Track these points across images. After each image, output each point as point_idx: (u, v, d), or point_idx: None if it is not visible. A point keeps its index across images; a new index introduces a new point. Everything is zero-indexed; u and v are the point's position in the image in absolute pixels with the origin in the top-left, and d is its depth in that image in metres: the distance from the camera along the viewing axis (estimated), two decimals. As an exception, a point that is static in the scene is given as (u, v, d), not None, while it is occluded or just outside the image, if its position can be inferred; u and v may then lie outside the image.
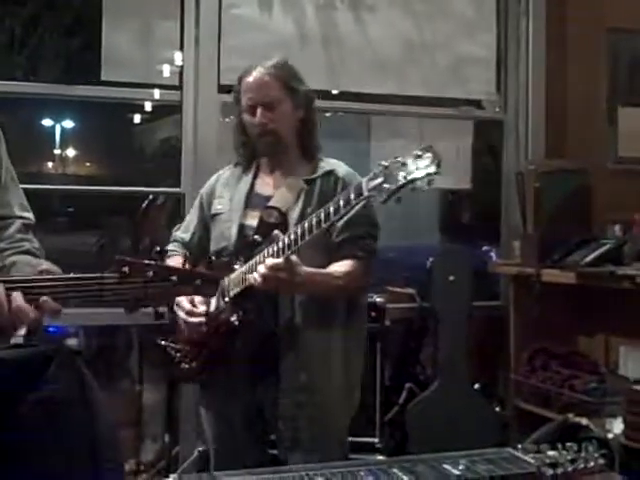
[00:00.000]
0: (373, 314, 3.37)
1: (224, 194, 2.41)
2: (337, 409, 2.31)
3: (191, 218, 2.51)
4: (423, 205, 4.50)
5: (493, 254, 4.27)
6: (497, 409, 3.68)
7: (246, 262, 2.19)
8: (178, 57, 3.57)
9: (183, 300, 2.24)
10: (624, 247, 3.30)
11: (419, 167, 1.81)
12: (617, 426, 2.87)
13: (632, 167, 3.98)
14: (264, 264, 2.05)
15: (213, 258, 2.24)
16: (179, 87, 3.54)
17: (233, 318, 2.19)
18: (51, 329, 3.30)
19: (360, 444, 3.28)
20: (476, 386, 3.64)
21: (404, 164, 1.82)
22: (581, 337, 3.68)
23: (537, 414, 3.35)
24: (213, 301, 2.24)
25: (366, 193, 1.88)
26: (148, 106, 4.09)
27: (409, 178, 1.82)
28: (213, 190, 2.46)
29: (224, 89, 3.54)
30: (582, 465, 1.50)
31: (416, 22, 3.85)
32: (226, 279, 2.22)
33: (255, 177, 2.40)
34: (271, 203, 2.28)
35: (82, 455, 1.46)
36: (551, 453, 1.51)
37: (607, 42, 3.98)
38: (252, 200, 2.35)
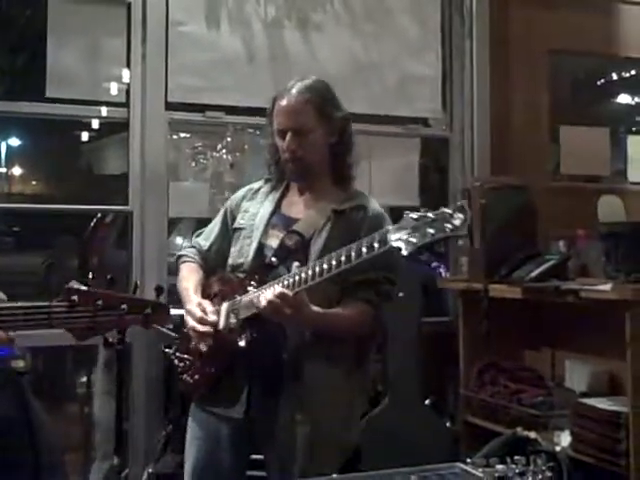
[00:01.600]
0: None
1: (250, 209, 2.35)
2: (331, 447, 2.20)
3: (213, 227, 2.45)
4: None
5: (442, 270, 4.31)
6: (447, 424, 3.71)
7: (259, 284, 2.15)
8: (125, 74, 3.54)
9: (194, 307, 2.20)
10: (568, 262, 3.37)
11: (449, 227, 1.75)
12: (565, 439, 2.91)
13: (573, 184, 4.07)
14: (273, 291, 2.01)
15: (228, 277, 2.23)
16: (126, 104, 3.51)
17: (241, 341, 2.14)
18: (-5, 351, 3.23)
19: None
20: (427, 402, 3.67)
21: (434, 220, 1.76)
22: (528, 351, 3.73)
23: (486, 428, 3.37)
24: (223, 315, 2.19)
25: (391, 244, 1.82)
26: (95, 124, 4.06)
27: (437, 237, 1.75)
28: (240, 204, 2.40)
29: (171, 106, 3.54)
30: (531, 478, 1.52)
31: (363, 41, 3.89)
32: (238, 299, 2.19)
33: (283, 196, 2.35)
34: (296, 227, 2.23)
35: (25, 478, 1.43)
36: (500, 467, 1.53)
37: (549, 63, 4.09)
38: (276, 220, 2.29)
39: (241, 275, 2.24)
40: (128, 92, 3.51)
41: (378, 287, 2.20)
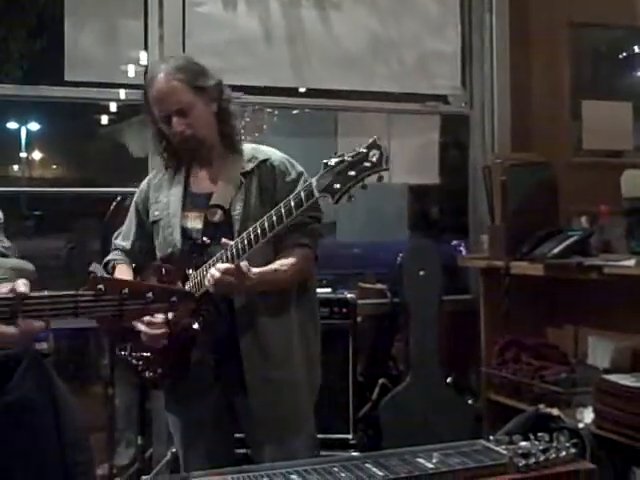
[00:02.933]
0: (344, 310, 3.38)
1: (160, 198, 2.38)
2: (301, 394, 2.31)
3: (129, 226, 2.48)
4: (392, 201, 4.51)
5: (462, 248, 4.29)
6: (469, 402, 3.71)
7: (197, 267, 2.19)
8: (143, 56, 3.54)
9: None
10: (591, 238, 3.34)
11: (367, 166, 1.81)
12: (588, 415, 2.90)
13: (596, 159, 4.03)
14: (216, 268, 2.05)
15: (163, 268, 2.27)
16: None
17: (195, 324, 2.18)
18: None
19: (334, 440, 3.29)
20: (448, 380, 3.67)
21: (352, 162, 1.83)
22: (550, 328, 3.71)
23: (509, 406, 3.37)
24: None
25: (317, 194, 1.88)
26: (113, 107, 4.06)
27: (360, 177, 1.82)
28: (147, 196, 2.43)
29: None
30: (554, 455, 1.51)
31: (381, 19, 3.86)
32: (183, 285, 2.22)
33: (187, 177, 2.37)
34: (212, 201, 2.26)
35: (50, 458, 1.45)
36: (523, 444, 1.53)
37: (570, 36, 4.03)
38: (189, 200, 2.32)
39: (174, 265, 2.26)
40: (146, 74, 3.50)
41: (307, 228, 2.24)
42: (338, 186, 1.84)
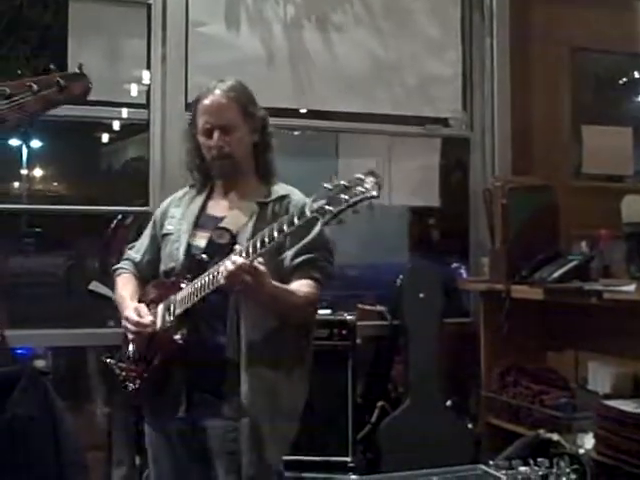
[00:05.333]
0: (343, 332, 3.37)
1: (176, 214, 2.41)
2: (274, 434, 2.23)
3: (144, 239, 2.51)
4: (392, 223, 4.51)
5: (463, 271, 4.29)
6: (469, 426, 3.69)
7: (192, 280, 2.19)
8: (145, 75, 3.55)
9: (130, 313, 2.26)
10: (591, 263, 3.33)
11: (361, 190, 1.83)
12: (588, 441, 2.88)
13: (596, 184, 4.04)
14: (231, 261, 2.02)
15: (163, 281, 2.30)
16: (146, 106, 3.52)
17: (177, 336, 2.19)
18: (19, 350, 3.25)
19: (333, 463, 3.27)
20: (448, 403, 3.65)
21: (347, 187, 1.85)
22: (550, 353, 3.70)
23: (509, 430, 3.35)
24: (159, 315, 2.25)
25: (309, 214, 1.89)
26: (116, 125, 4.06)
27: (351, 201, 1.84)
28: (166, 211, 2.46)
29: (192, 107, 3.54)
30: (554, 480, 1.50)
31: (383, 41, 3.88)
32: (172, 297, 2.24)
33: (208, 198, 2.40)
34: (222, 224, 2.28)
35: (48, 476, 1.43)
36: (523, 469, 1.52)
37: (571, 61, 4.05)
38: (202, 221, 2.35)
39: (173, 278, 2.29)
40: (148, 93, 3.53)
41: (319, 265, 2.26)
42: (330, 209, 1.86)
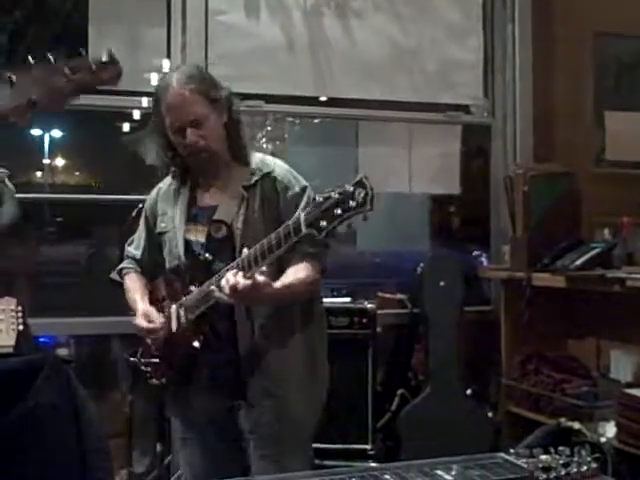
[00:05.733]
0: (364, 320, 3.37)
1: (167, 210, 2.37)
2: (303, 412, 2.27)
3: (139, 234, 2.49)
4: (413, 210, 4.50)
5: (483, 259, 4.27)
6: (489, 414, 3.68)
7: (201, 283, 2.17)
8: (166, 64, 3.56)
9: (139, 320, 2.27)
10: (613, 250, 3.31)
11: (353, 205, 1.81)
12: (610, 430, 2.87)
13: (619, 171, 4.00)
14: (227, 280, 2.02)
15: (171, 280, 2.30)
16: (167, 95, 3.53)
17: (195, 342, 2.20)
18: (41, 339, 3.28)
19: (352, 451, 3.28)
20: (468, 391, 3.64)
21: (339, 201, 1.82)
22: (572, 341, 3.68)
23: (529, 418, 3.35)
24: (173, 317, 2.25)
25: (304, 231, 1.88)
26: (136, 114, 4.07)
27: (345, 216, 1.83)
28: (154, 206, 2.42)
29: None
30: (575, 469, 1.49)
31: (403, 28, 3.86)
32: (184, 299, 2.23)
33: (194, 188, 2.35)
34: (217, 215, 2.25)
35: (71, 464, 1.45)
36: (544, 457, 1.51)
37: (593, 46, 4.01)
38: (194, 213, 2.31)
39: (182, 276, 2.27)
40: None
41: (314, 240, 2.13)
42: (324, 224, 1.84)
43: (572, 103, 3.97)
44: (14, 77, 1.39)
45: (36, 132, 6.01)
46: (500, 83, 4.02)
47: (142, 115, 3.98)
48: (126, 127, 5.44)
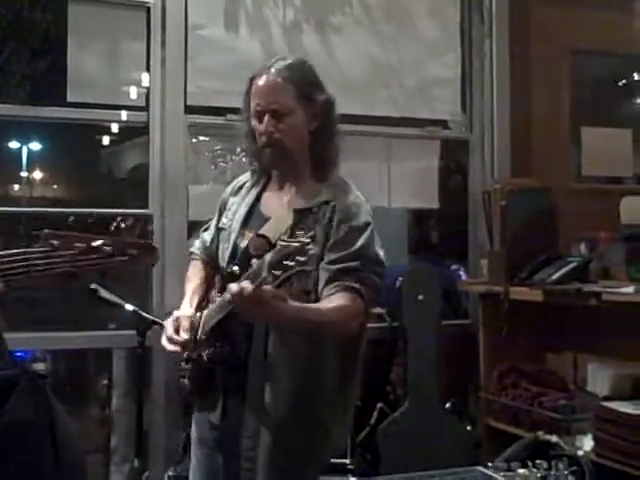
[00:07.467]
0: (343, 334, 3.36)
1: (232, 207, 2.21)
2: (305, 455, 2.08)
3: (212, 223, 2.31)
4: (391, 225, 4.51)
5: (462, 273, 4.29)
6: (468, 428, 3.69)
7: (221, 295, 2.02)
8: (145, 78, 3.56)
9: (169, 323, 2.08)
10: (590, 264, 3.34)
11: (301, 259, 1.72)
12: (587, 443, 2.88)
13: (595, 186, 4.04)
14: (230, 289, 1.83)
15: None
16: (146, 108, 3.52)
17: (204, 354, 2.10)
18: (17, 353, 3.25)
19: (332, 465, 3.26)
20: (447, 405, 3.65)
21: (294, 251, 1.72)
22: (549, 354, 3.70)
23: (507, 432, 3.35)
24: (201, 326, 2.10)
25: (264, 274, 1.74)
26: (115, 128, 4.07)
27: (289, 273, 1.74)
28: (227, 199, 2.27)
29: (191, 110, 3.55)
30: (552, 482, 1.50)
31: (382, 44, 3.88)
32: (205, 311, 2.10)
33: (263, 190, 2.19)
34: (263, 230, 2.01)
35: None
36: (522, 471, 1.52)
37: (570, 63, 4.06)
38: (252, 218, 2.14)
39: (222, 280, 2.12)
40: (148, 96, 3.53)
41: (360, 275, 1.99)
42: (277, 273, 1.73)
43: (549, 119, 4.01)
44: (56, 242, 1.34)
45: (14, 145, 5.97)
46: (478, 99, 4.05)
47: (121, 128, 3.98)
48: (105, 140, 5.43)
